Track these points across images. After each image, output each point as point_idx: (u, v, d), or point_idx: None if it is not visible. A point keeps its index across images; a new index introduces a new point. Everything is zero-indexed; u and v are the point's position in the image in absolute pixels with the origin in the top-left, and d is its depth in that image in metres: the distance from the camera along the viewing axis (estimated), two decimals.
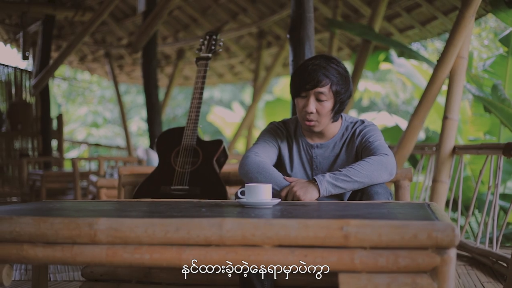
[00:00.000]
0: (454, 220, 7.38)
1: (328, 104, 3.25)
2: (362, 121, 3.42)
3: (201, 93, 4.04)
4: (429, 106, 5.74)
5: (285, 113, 14.68)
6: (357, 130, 3.36)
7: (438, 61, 5.56)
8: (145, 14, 9.88)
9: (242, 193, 2.91)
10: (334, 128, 3.39)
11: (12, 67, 12.51)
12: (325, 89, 3.21)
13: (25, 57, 11.53)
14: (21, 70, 12.66)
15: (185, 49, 14.36)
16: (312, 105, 3.24)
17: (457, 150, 5.44)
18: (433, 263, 1.90)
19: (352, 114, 19.76)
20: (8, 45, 13.84)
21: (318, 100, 3.24)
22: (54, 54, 13.38)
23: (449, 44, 5.44)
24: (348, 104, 4.44)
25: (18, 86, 12.49)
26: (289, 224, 1.97)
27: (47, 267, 3.17)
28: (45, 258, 2.12)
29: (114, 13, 12.99)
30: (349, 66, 10.90)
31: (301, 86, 3.27)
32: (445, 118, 5.53)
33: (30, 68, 12.97)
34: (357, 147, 3.34)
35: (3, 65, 12.40)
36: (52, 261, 2.11)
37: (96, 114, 25.47)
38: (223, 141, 3.97)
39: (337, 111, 3.30)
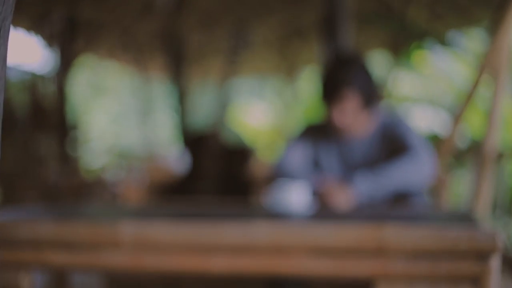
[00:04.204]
0: (497, 226, 7.32)
1: (358, 107, 3.24)
2: (399, 117, 3.41)
3: (229, 94, 4.05)
4: (471, 105, 5.69)
5: (315, 113, 14.67)
6: (394, 127, 3.34)
7: (480, 56, 5.51)
8: (173, 11, 9.92)
9: (274, 197, 2.91)
10: (369, 124, 3.37)
11: (33, 68, 12.62)
12: (352, 99, 3.21)
13: (48, 56, 11.61)
14: (43, 71, 12.77)
15: (213, 47, 14.39)
16: (342, 115, 3.24)
17: (501, 152, 5.39)
18: (474, 271, 1.87)
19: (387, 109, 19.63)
20: (32, 43, 13.96)
21: (348, 107, 3.24)
22: (79, 52, 13.47)
23: (491, 38, 5.39)
24: (383, 99, 4.43)
25: (40, 88, 12.59)
26: (322, 229, 1.96)
27: (69, 272, 3.19)
28: (67, 263, 2.13)
29: (141, 10, 13.05)
30: (383, 62, 10.87)
31: (328, 100, 3.27)
32: (488, 119, 5.48)
33: (53, 69, 13.08)
34: (393, 144, 3.32)
35: (26, 65, 12.52)
36: (75, 266, 2.12)
37: (122, 114, 25.59)
38: (252, 144, 3.98)
39: (368, 106, 3.29)
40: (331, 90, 3.23)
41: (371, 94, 3.28)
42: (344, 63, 3.30)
